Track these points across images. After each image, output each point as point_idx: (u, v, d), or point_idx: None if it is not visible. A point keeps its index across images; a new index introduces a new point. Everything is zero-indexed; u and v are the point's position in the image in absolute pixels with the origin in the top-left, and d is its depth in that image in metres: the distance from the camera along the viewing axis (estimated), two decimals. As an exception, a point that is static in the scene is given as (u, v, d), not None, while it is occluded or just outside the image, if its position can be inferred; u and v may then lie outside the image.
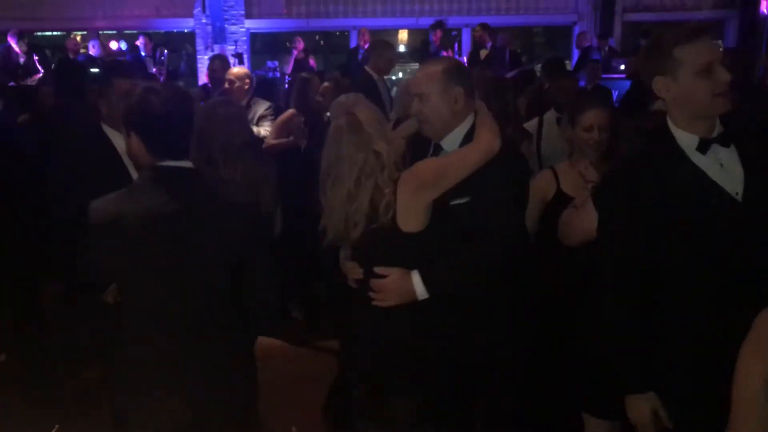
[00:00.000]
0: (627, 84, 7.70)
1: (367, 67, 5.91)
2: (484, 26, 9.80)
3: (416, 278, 2.37)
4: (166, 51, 10.86)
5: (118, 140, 3.06)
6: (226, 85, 5.48)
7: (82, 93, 4.32)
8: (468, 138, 2.46)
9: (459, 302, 2.46)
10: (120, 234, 2.07)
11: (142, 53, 10.78)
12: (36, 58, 10.21)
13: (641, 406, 2.13)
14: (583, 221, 2.46)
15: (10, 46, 10.03)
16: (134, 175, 2.54)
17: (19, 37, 10.06)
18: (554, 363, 2.93)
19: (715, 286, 2.04)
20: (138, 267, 2.11)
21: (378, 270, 2.41)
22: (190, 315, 2.15)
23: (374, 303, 2.42)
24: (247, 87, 5.44)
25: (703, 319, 2.06)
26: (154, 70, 10.17)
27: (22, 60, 10.01)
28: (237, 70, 5.81)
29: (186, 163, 2.18)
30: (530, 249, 2.61)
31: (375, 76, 5.85)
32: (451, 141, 2.50)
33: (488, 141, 2.38)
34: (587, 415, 2.82)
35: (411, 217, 2.37)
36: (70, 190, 2.12)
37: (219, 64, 6.45)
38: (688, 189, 2.04)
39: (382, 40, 6.66)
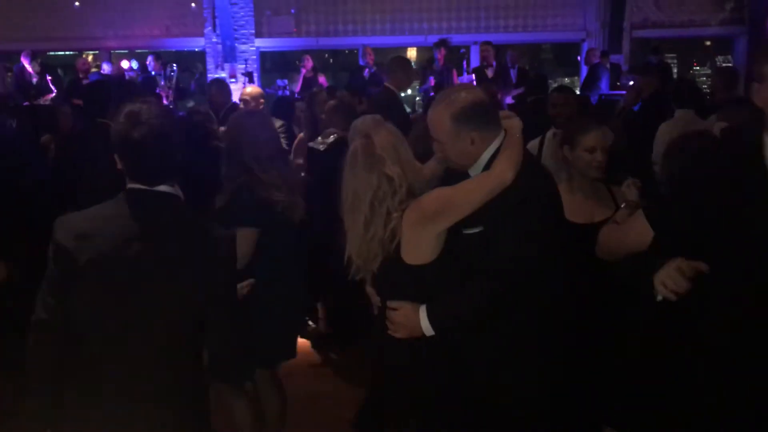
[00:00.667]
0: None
1: (387, 84, 5.86)
2: (489, 44, 9.86)
3: (423, 314, 2.33)
4: (175, 66, 10.93)
5: None
6: (241, 105, 5.56)
7: (103, 115, 4.37)
8: (492, 162, 2.36)
9: (477, 334, 2.40)
10: (80, 253, 2.00)
11: (152, 72, 10.87)
12: (49, 78, 10.33)
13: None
14: (627, 235, 2.37)
15: (23, 67, 10.14)
16: None
17: (32, 58, 10.16)
18: (576, 374, 2.92)
19: (754, 308, 1.98)
20: (93, 291, 2.03)
21: (389, 303, 2.40)
22: (146, 344, 2.05)
23: (389, 332, 2.41)
24: (261, 107, 5.60)
25: (736, 340, 2.01)
26: (162, 83, 10.25)
27: (35, 80, 10.11)
28: (251, 89, 5.93)
29: (164, 188, 2.10)
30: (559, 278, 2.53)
31: (397, 94, 5.78)
32: (477, 167, 2.42)
33: (500, 173, 2.29)
34: (607, 427, 2.81)
35: (413, 250, 2.33)
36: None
37: (216, 89, 6.43)
38: (751, 197, 1.98)
39: (401, 57, 6.57)
